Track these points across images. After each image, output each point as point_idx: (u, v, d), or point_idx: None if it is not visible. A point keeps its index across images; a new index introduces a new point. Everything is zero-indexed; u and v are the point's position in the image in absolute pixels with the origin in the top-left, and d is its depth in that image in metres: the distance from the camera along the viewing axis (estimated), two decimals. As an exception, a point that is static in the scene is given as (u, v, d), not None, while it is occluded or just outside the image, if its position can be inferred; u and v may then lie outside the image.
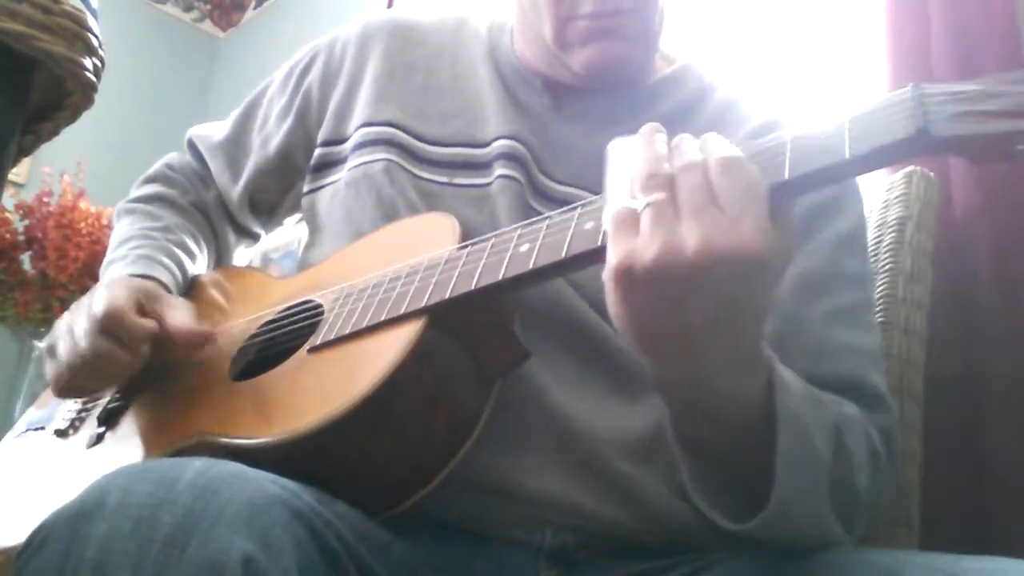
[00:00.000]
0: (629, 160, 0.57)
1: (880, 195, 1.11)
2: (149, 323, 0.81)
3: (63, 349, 0.81)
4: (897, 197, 1.10)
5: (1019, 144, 0.50)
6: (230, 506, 0.51)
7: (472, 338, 0.69)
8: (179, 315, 0.83)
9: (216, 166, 1.04)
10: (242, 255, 1.11)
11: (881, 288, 1.05)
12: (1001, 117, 0.50)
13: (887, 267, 1.06)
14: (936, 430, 1.06)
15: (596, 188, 0.81)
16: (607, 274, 0.54)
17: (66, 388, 0.83)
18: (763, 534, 0.59)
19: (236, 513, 0.51)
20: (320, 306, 0.79)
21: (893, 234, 1.08)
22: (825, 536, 0.63)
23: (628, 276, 0.53)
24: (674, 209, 0.53)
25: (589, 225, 0.63)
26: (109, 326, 0.79)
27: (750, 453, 0.60)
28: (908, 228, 1.08)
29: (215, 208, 1.05)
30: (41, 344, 2.20)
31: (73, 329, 0.81)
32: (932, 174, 1.13)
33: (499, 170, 0.83)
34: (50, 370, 0.84)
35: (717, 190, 0.53)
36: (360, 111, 0.92)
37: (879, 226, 1.09)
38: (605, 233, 0.56)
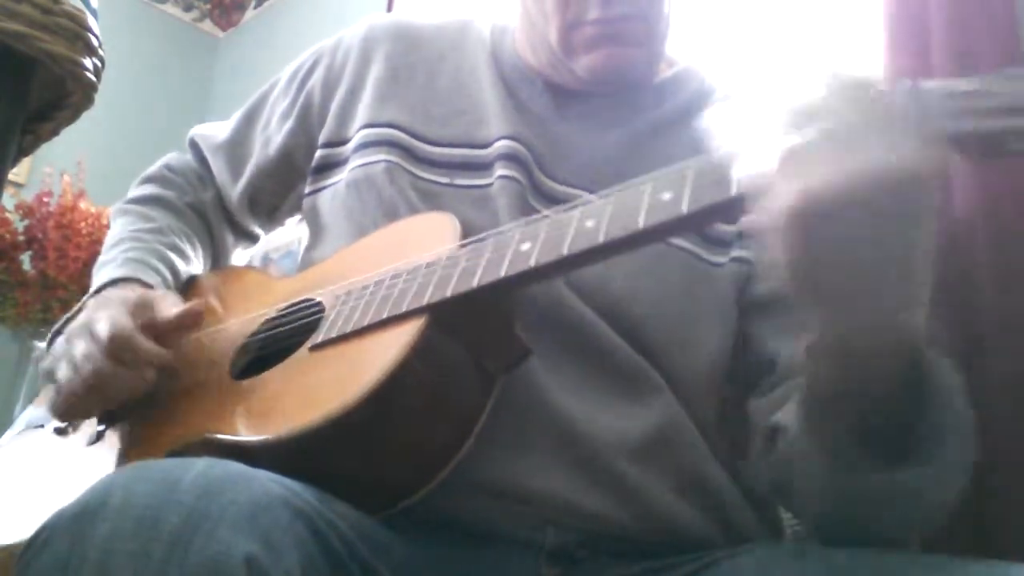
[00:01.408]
0: (777, 94, 0.54)
1: (880, 195, 1.11)
2: (158, 349, 0.79)
3: (63, 375, 0.80)
4: (897, 197, 1.10)
5: (1012, 142, 0.50)
6: (233, 506, 0.51)
7: (473, 336, 0.69)
8: (166, 305, 0.82)
9: (217, 166, 1.04)
10: (240, 257, 1.11)
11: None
12: (996, 115, 0.50)
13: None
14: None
15: (597, 188, 0.81)
16: (785, 215, 0.50)
17: (68, 413, 0.82)
18: (930, 485, 0.58)
19: (239, 513, 0.51)
20: (321, 304, 0.79)
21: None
22: (947, 508, 0.62)
23: (808, 214, 0.49)
24: (847, 132, 0.50)
25: (590, 223, 0.63)
26: (115, 350, 0.77)
27: (905, 405, 0.58)
28: (908, 228, 1.08)
29: (213, 209, 1.05)
30: (41, 344, 2.20)
31: (73, 354, 0.80)
32: (932, 174, 1.12)
33: (500, 171, 0.83)
34: (49, 395, 0.82)
35: (891, 107, 0.50)
36: (362, 113, 0.92)
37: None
38: (745, 182, 0.53)
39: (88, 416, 0.85)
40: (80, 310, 0.86)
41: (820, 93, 0.52)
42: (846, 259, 0.51)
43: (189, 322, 0.82)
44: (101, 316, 0.79)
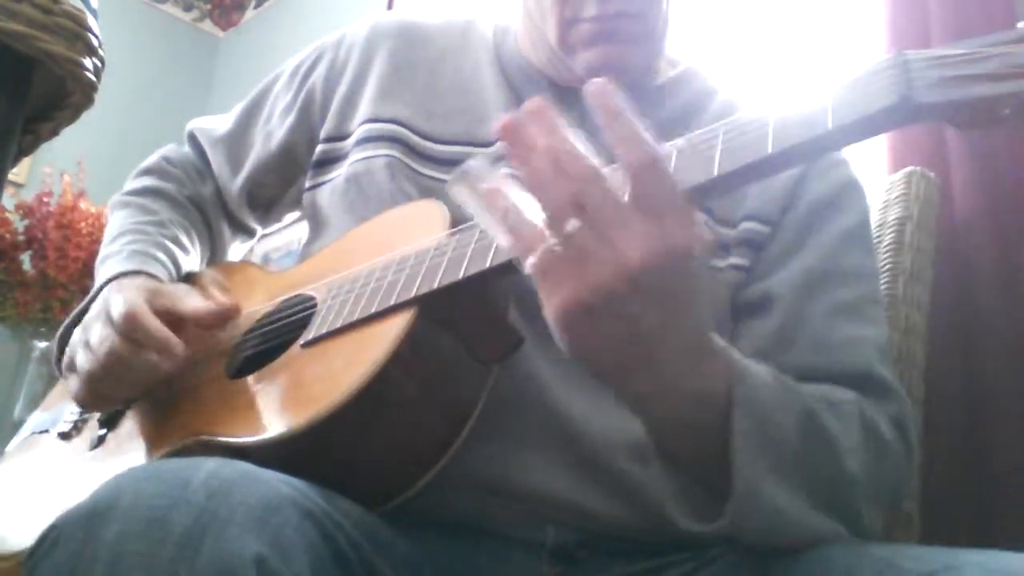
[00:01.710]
0: (516, 189, 0.55)
1: (880, 195, 1.11)
2: (168, 332, 0.78)
3: (81, 361, 0.80)
4: (897, 197, 1.10)
5: (1005, 108, 0.49)
6: (242, 507, 0.51)
7: (464, 325, 0.69)
8: (191, 300, 0.83)
9: (216, 160, 1.04)
10: (238, 251, 1.11)
11: (881, 288, 1.05)
12: (986, 81, 0.49)
13: (887, 267, 1.06)
14: (936, 430, 1.06)
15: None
16: (554, 322, 0.54)
17: (89, 399, 0.82)
18: (739, 525, 0.60)
19: (248, 514, 0.51)
20: (313, 299, 0.79)
21: (893, 234, 1.08)
22: (809, 527, 0.62)
23: (574, 317, 0.53)
24: (595, 232, 0.52)
25: None
26: (128, 330, 0.77)
27: (719, 450, 0.60)
28: (908, 228, 1.08)
29: (211, 202, 1.05)
30: (41, 344, 2.20)
31: (89, 340, 0.80)
32: (932, 174, 1.13)
33: (502, 169, 0.83)
34: (72, 386, 0.82)
35: (633, 197, 0.52)
36: (364, 108, 0.92)
37: (879, 226, 1.09)
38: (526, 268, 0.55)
39: (111, 404, 0.85)
40: (86, 308, 0.86)
41: (560, 187, 0.53)
42: (614, 346, 0.55)
43: (221, 319, 0.82)
44: (116, 299, 0.80)
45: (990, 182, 1.17)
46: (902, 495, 0.83)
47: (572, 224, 0.52)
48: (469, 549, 0.71)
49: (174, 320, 0.80)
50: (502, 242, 0.56)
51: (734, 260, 0.82)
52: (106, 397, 0.82)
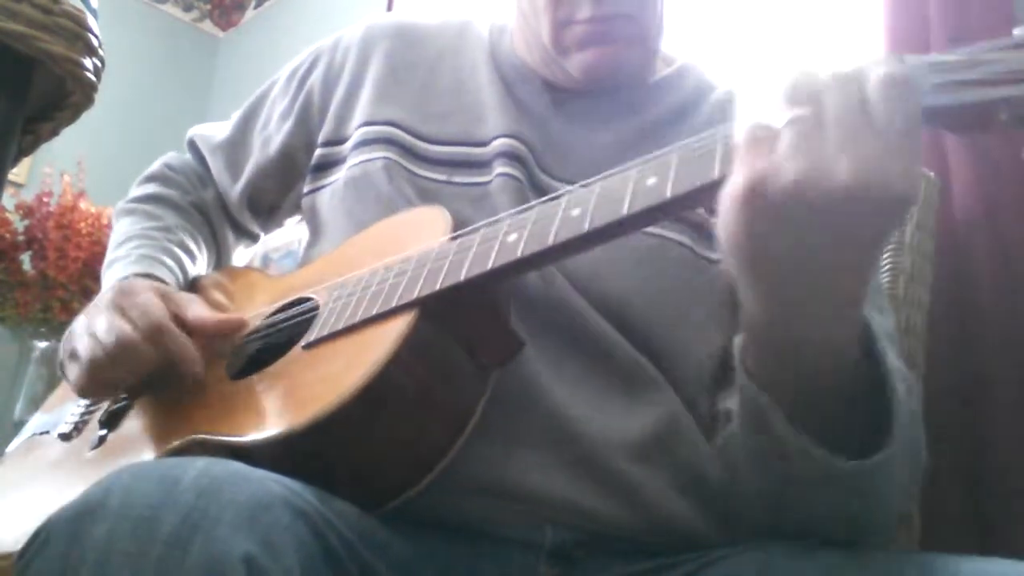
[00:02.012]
0: (772, 76, 0.51)
1: (880, 195, 1.11)
2: (187, 339, 0.78)
3: (83, 347, 0.80)
4: (897, 197, 1.10)
5: (1001, 113, 0.49)
6: (232, 506, 0.51)
7: (465, 329, 0.69)
8: (196, 307, 0.83)
9: (216, 166, 1.05)
10: (241, 255, 1.11)
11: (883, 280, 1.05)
12: (984, 86, 0.49)
13: (887, 267, 1.06)
14: (936, 430, 1.06)
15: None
16: (731, 194, 0.49)
17: (88, 386, 0.82)
18: (880, 473, 0.56)
19: (238, 513, 0.51)
20: (315, 302, 0.79)
21: (893, 234, 1.08)
22: (900, 505, 0.61)
23: (759, 198, 0.48)
24: (820, 128, 0.47)
25: (575, 212, 0.63)
26: (126, 305, 0.78)
27: (831, 406, 0.57)
28: (908, 228, 1.08)
29: (214, 208, 1.05)
30: (41, 344, 2.20)
31: (95, 328, 0.80)
32: (932, 174, 1.13)
33: (499, 168, 0.83)
34: (72, 373, 0.82)
35: (875, 112, 0.47)
36: (361, 111, 0.92)
37: (879, 226, 1.09)
38: (725, 157, 0.51)
39: (110, 390, 0.85)
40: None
41: (810, 82, 0.49)
42: (777, 252, 0.50)
43: (228, 330, 0.82)
44: (131, 299, 0.79)
45: (990, 182, 1.17)
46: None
47: (803, 111, 0.48)
48: (467, 550, 0.70)
49: (180, 325, 0.80)
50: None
51: None
52: (105, 383, 0.82)
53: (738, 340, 0.61)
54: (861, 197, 0.46)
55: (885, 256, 1.07)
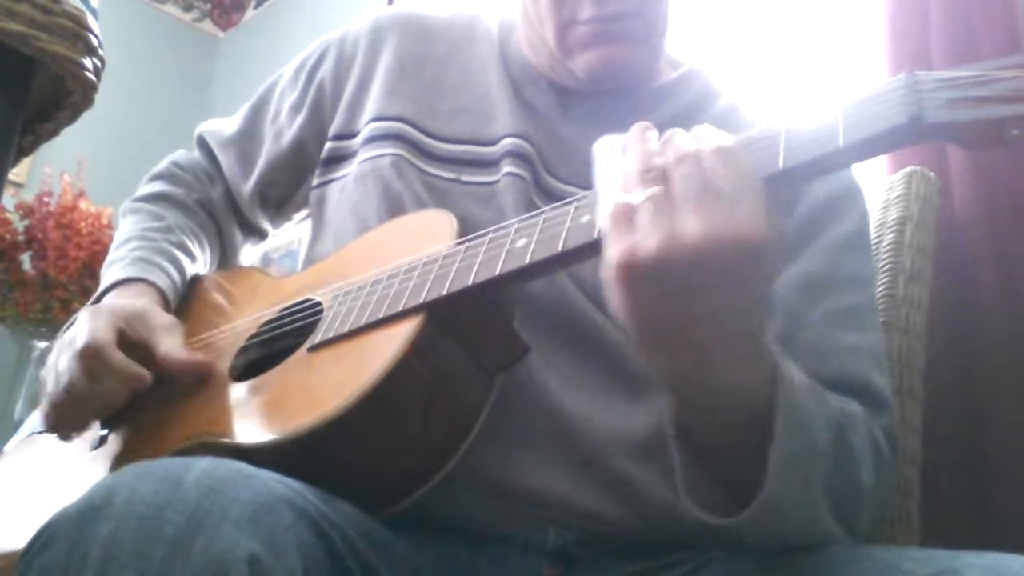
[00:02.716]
0: (620, 157, 0.57)
1: (880, 195, 1.11)
2: (128, 364, 0.78)
3: (49, 387, 0.80)
4: (897, 197, 1.10)
5: (1013, 129, 0.50)
6: (235, 505, 0.51)
7: (471, 334, 0.69)
8: (169, 340, 0.81)
9: (227, 161, 1.04)
10: (250, 254, 1.11)
11: (881, 288, 1.05)
12: (994, 102, 0.50)
13: (887, 267, 1.06)
14: (936, 430, 1.06)
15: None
16: (608, 270, 0.54)
17: (54, 425, 0.82)
18: (752, 528, 0.59)
19: (241, 512, 0.51)
20: (319, 304, 0.79)
21: (893, 234, 1.08)
22: (819, 533, 0.63)
23: (630, 271, 0.53)
24: (671, 201, 0.53)
25: (585, 219, 0.63)
26: (87, 364, 0.77)
27: (749, 448, 0.59)
28: (908, 228, 1.08)
29: (222, 206, 1.05)
30: (41, 344, 2.20)
31: (58, 367, 0.80)
32: (932, 174, 1.13)
33: (506, 168, 0.83)
34: (43, 405, 0.82)
35: (712, 179, 0.53)
36: (371, 105, 0.92)
37: (879, 226, 1.09)
38: (601, 230, 0.56)
39: (80, 428, 0.84)
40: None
41: (655, 159, 0.56)
42: (660, 317, 0.54)
43: (188, 373, 0.80)
44: (83, 329, 0.79)
45: (990, 182, 1.17)
46: (887, 506, 0.83)
47: (655, 189, 0.54)
48: (468, 550, 0.70)
49: (145, 351, 0.80)
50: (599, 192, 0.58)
51: None
52: (71, 423, 0.82)
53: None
54: (716, 250, 0.51)
55: (885, 256, 1.07)
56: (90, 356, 0.77)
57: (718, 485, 0.63)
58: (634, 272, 0.53)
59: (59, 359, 0.81)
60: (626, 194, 0.55)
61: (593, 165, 0.60)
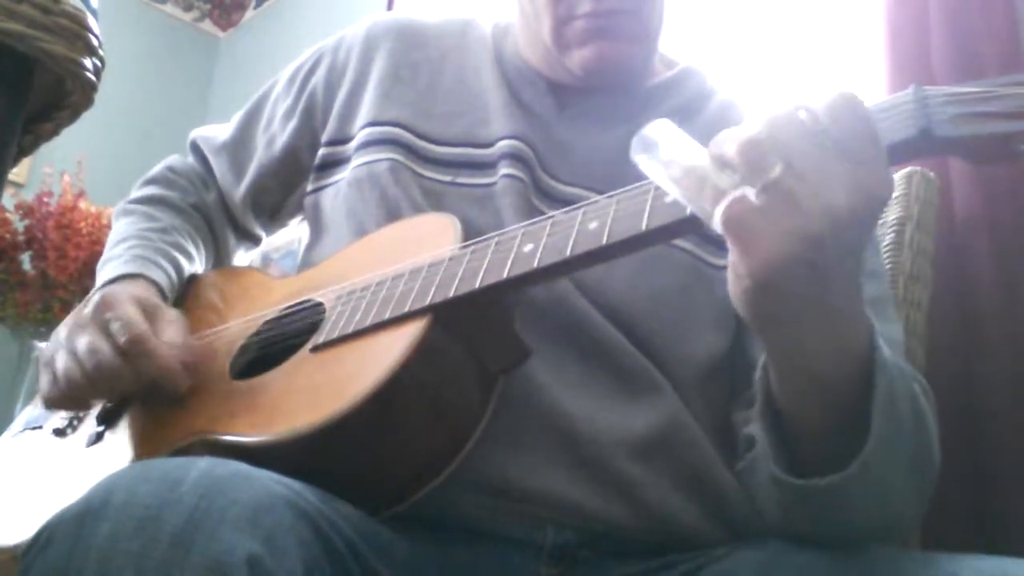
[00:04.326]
0: (698, 148, 0.53)
1: (880, 195, 1.11)
2: (172, 353, 0.77)
3: (62, 364, 0.79)
4: (897, 197, 1.10)
5: (1019, 144, 0.51)
6: (235, 506, 0.51)
7: (474, 337, 0.69)
8: (172, 330, 0.80)
9: (220, 167, 1.04)
10: (242, 259, 1.11)
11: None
12: (1001, 118, 0.51)
13: (887, 267, 1.06)
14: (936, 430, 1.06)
15: (597, 187, 0.82)
16: (755, 277, 0.51)
17: (61, 403, 0.81)
18: (852, 485, 0.57)
19: (241, 513, 0.51)
20: (321, 305, 0.79)
21: (893, 234, 1.08)
22: (907, 510, 0.62)
23: (787, 268, 0.50)
24: (800, 178, 0.49)
25: (593, 225, 0.63)
26: (129, 348, 0.75)
27: (845, 414, 0.58)
28: (908, 228, 1.08)
29: (216, 210, 1.05)
30: (41, 344, 2.20)
31: (76, 345, 0.78)
32: (932, 174, 1.13)
33: (503, 170, 0.83)
34: (45, 383, 0.81)
35: (833, 141, 0.50)
36: (365, 111, 0.92)
37: (879, 226, 1.09)
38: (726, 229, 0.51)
39: (80, 408, 0.84)
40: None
41: (764, 143, 0.50)
42: (798, 295, 0.52)
43: (194, 361, 0.79)
44: (115, 313, 0.78)
45: (990, 182, 1.17)
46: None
47: (777, 170, 0.49)
48: (468, 550, 0.71)
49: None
50: (683, 199, 0.53)
51: None
52: (78, 403, 0.82)
53: (761, 361, 0.62)
54: (856, 219, 0.49)
55: (885, 256, 1.07)
56: (133, 340, 0.75)
57: (813, 455, 0.61)
58: (788, 268, 0.50)
59: (76, 338, 0.78)
60: (733, 185, 0.50)
61: (640, 166, 0.55)
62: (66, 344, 0.80)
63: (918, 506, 0.64)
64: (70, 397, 0.80)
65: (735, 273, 0.53)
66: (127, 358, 0.76)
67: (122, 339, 0.75)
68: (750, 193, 0.49)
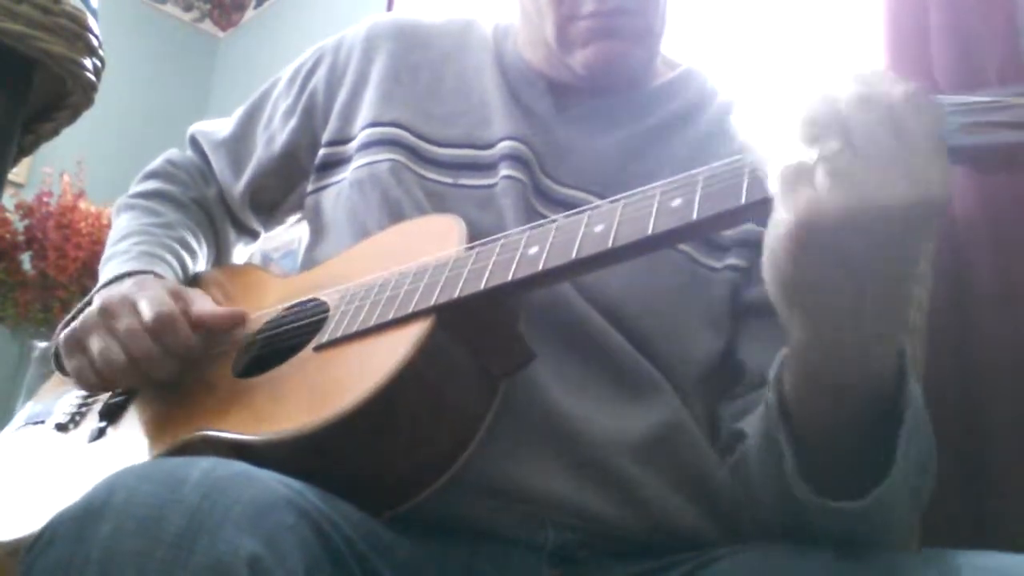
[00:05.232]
0: (792, 102, 0.52)
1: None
2: (195, 338, 0.79)
3: (100, 346, 0.79)
4: (897, 197, 1.10)
5: None
6: (236, 506, 0.51)
7: (478, 339, 0.69)
8: (204, 304, 0.82)
9: (218, 163, 1.04)
10: (241, 253, 1.11)
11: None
12: (1010, 128, 0.51)
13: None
14: (936, 430, 1.06)
15: (598, 190, 0.82)
16: (780, 234, 0.50)
17: (100, 385, 0.82)
18: (875, 512, 0.57)
19: (242, 513, 0.51)
20: (325, 304, 0.79)
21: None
22: (908, 526, 0.62)
23: (811, 235, 0.49)
24: (856, 155, 0.48)
25: (599, 228, 0.63)
26: (160, 331, 0.77)
27: (867, 430, 0.57)
28: (908, 228, 1.08)
29: (216, 205, 1.05)
30: (41, 344, 2.20)
31: (115, 327, 0.78)
32: (932, 174, 1.12)
33: (503, 171, 0.83)
34: (76, 364, 0.81)
35: (905, 128, 0.49)
36: (366, 111, 0.92)
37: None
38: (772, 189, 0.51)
39: (112, 389, 0.85)
40: (86, 305, 0.86)
41: (836, 104, 0.50)
42: (829, 282, 0.51)
43: (232, 324, 0.82)
44: (146, 296, 0.79)
45: (989, 182, 1.17)
46: None
47: (833, 145, 0.49)
48: (469, 551, 0.70)
49: (194, 325, 0.80)
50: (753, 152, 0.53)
51: (732, 261, 0.82)
52: (114, 383, 0.82)
53: (779, 355, 0.61)
54: (908, 215, 0.48)
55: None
56: (164, 323, 0.76)
57: (830, 471, 0.60)
58: (815, 237, 0.49)
59: (116, 320, 0.78)
60: (800, 146, 0.50)
61: (742, 125, 0.54)
62: (103, 326, 0.80)
63: (916, 514, 0.65)
64: (110, 380, 0.80)
65: (775, 234, 0.51)
66: (158, 341, 0.77)
67: (151, 320, 0.76)
68: (806, 157, 0.49)
